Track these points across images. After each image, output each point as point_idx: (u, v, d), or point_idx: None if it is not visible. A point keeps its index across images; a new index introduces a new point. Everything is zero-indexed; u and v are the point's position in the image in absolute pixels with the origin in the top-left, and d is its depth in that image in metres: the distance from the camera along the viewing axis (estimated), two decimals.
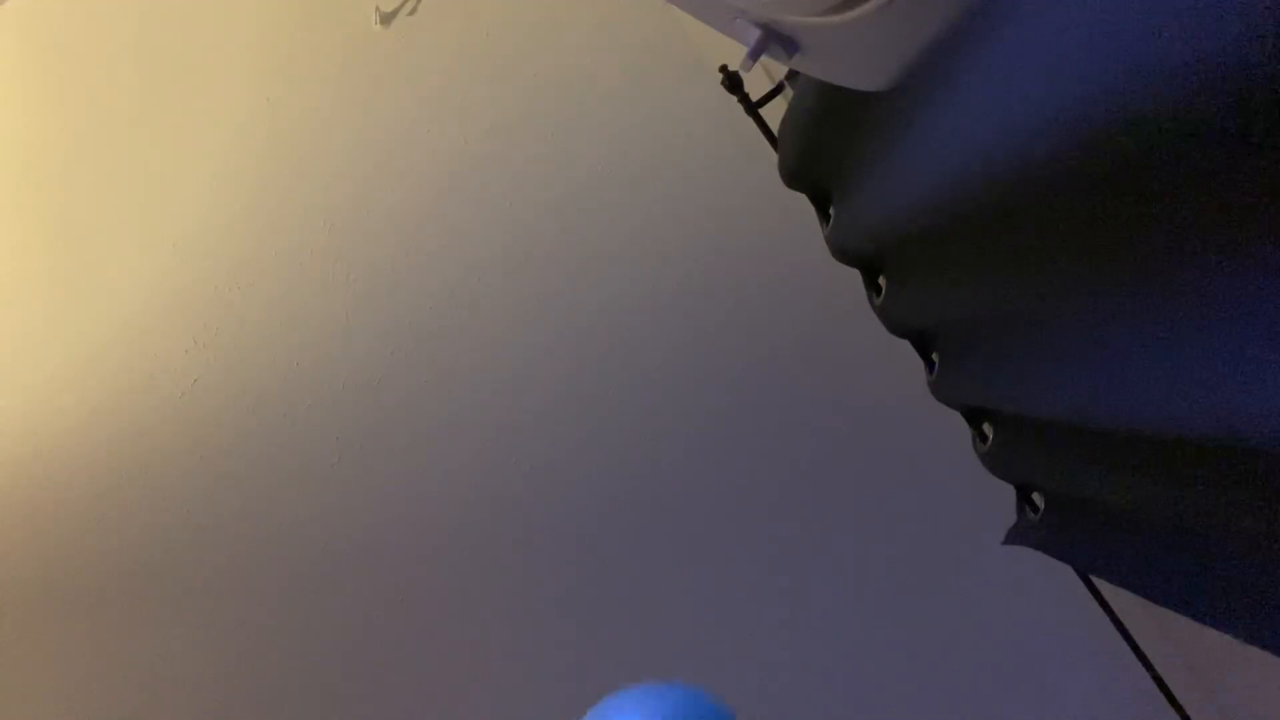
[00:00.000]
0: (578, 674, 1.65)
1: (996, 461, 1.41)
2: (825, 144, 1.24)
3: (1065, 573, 1.51)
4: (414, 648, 1.72)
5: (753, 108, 1.52)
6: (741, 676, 1.61)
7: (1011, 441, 1.34)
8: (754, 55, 0.84)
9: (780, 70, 1.48)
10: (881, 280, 1.41)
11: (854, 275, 1.47)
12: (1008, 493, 1.50)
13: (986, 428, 1.44)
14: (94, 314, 1.83)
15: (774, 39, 0.82)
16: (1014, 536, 1.47)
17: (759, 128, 1.55)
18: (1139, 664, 1.52)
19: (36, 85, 1.91)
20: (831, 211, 1.42)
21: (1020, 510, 1.48)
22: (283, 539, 1.77)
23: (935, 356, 1.43)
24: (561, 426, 1.79)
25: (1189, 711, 1.49)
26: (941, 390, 1.42)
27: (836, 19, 0.72)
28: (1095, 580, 1.53)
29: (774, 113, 1.51)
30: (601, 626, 1.72)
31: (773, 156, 1.50)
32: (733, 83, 1.49)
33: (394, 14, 1.89)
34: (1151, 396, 0.76)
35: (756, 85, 1.53)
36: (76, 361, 1.82)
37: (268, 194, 1.86)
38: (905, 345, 1.48)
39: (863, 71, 0.82)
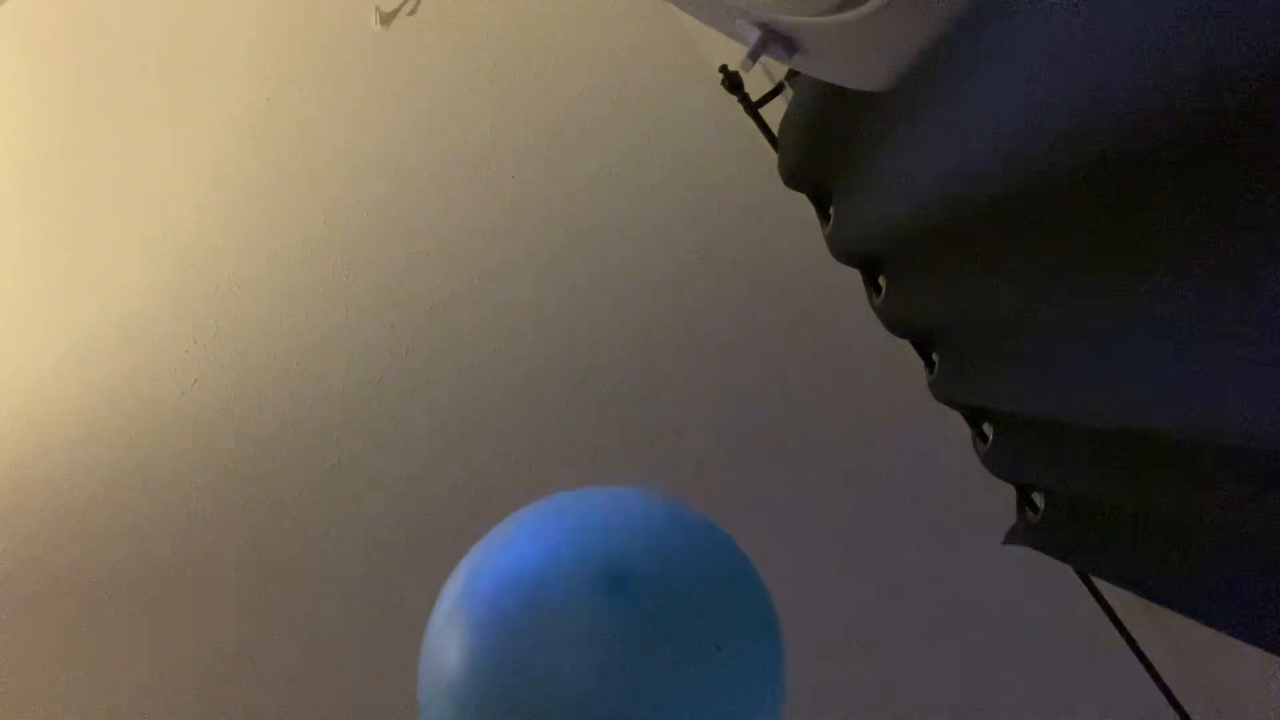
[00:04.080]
0: None
1: (996, 461, 1.41)
2: (825, 144, 1.24)
3: (1065, 573, 1.51)
4: (413, 648, 1.72)
5: (753, 108, 1.52)
6: None
7: (1011, 441, 1.35)
8: (754, 55, 0.84)
9: (780, 70, 1.48)
10: (881, 280, 1.41)
11: (854, 275, 1.47)
12: (1008, 493, 1.50)
13: (986, 428, 1.44)
14: (94, 314, 1.83)
15: (774, 39, 0.82)
16: (1014, 536, 1.47)
17: (759, 128, 1.55)
18: (1139, 664, 1.52)
19: (36, 85, 1.91)
20: (831, 211, 1.42)
21: (1020, 510, 1.48)
22: (282, 539, 1.77)
23: (935, 356, 1.43)
24: (562, 427, 1.79)
25: (1188, 710, 1.49)
26: (941, 390, 1.42)
27: (836, 19, 0.72)
28: (1095, 580, 1.53)
29: (774, 113, 1.51)
30: None
31: (773, 156, 1.50)
32: (733, 83, 1.49)
33: (394, 14, 1.89)
34: (1152, 397, 0.76)
35: (756, 85, 1.53)
36: (76, 361, 1.82)
37: (268, 194, 1.86)
38: (905, 345, 1.48)
39: (863, 71, 0.82)
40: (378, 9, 1.87)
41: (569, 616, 0.47)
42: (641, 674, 0.47)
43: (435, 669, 0.52)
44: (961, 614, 1.71)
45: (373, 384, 1.81)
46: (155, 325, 1.82)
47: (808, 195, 1.46)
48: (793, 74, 1.38)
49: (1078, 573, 1.52)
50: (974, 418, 1.46)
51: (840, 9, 0.70)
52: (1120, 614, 1.53)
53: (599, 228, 1.83)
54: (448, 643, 0.52)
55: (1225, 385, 0.65)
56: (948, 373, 1.38)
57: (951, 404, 1.46)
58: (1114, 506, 1.11)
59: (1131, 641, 1.52)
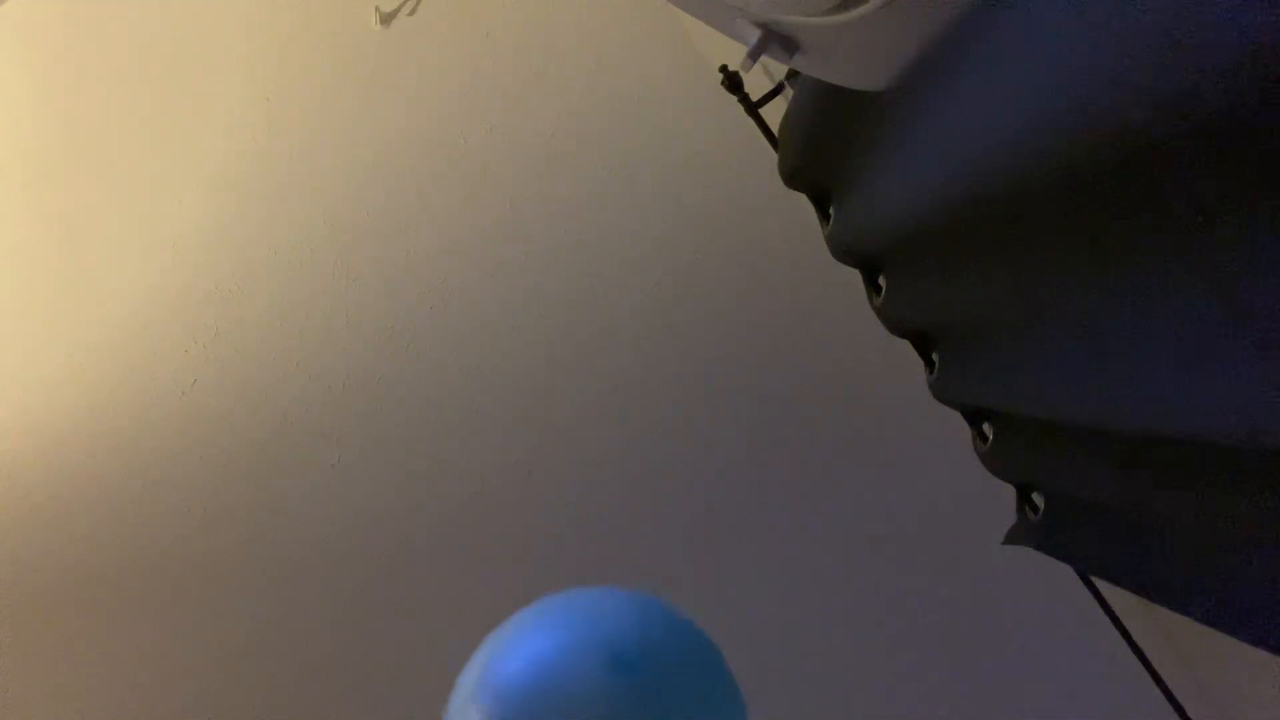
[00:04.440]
0: None
1: (996, 461, 1.41)
2: (825, 144, 1.24)
3: (1065, 573, 1.51)
4: (413, 648, 1.72)
5: (753, 108, 1.52)
6: (738, 675, 1.61)
7: (1011, 441, 1.34)
8: (754, 55, 0.84)
9: (780, 70, 1.48)
10: (881, 280, 1.41)
11: (854, 275, 1.47)
12: (1008, 493, 1.50)
13: (986, 428, 1.44)
14: (94, 314, 1.83)
15: (774, 39, 0.82)
16: (1014, 536, 1.47)
17: (759, 128, 1.55)
18: (1139, 664, 1.52)
19: (36, 85, 1.91)
20: (831, 211, 1.42)
21: (1020, 510, 1.48)
22: (282, 539, 1.77)
23: (935, 356, 1.43)
24: (561, 428, 1.79)
25: (1188, 711, 1.50)
26: (941, 390, 1.42)
27: (836, 19, 0.72)
28: (1095, 580, 1.53)
29: (774, 113, 1.52)
30: None
31: (773, 156, 1.50)
32: (733, 83, 1.49)
33: (394, 14, 1.89)
34: (1151, 396, 0.76)
35: (756, 85, 1.53)
36: (76, 361, 1.81)
37: (267, 194, 1.86)
38: (905, 345, 1.48)
39: (863, 71, 0.82)
40: (378, 9, 1.87)
41: (580, 691, 0.54)
42: None
43: None
44: (961, 614, 1.71)
45: (373, 384, 1.81)
46: (155, 325, 1.82)
47: (808, 195, 1.46)
48: (793, 74, 1.38)
49: (1078, 573, 1.52)
50: (974, 418, 1.46)
51: (840, 9, 0.70)
52: (1120, 614, 1.53)
53: (599, 228, 1.83)
54: None
55: (1227, 385, 0.65)
56: (948, 373, 1.38)
57: (951, 404, 1.46)
58: (1114, 506, 1.10)
59: (1131, 641, 1.52)
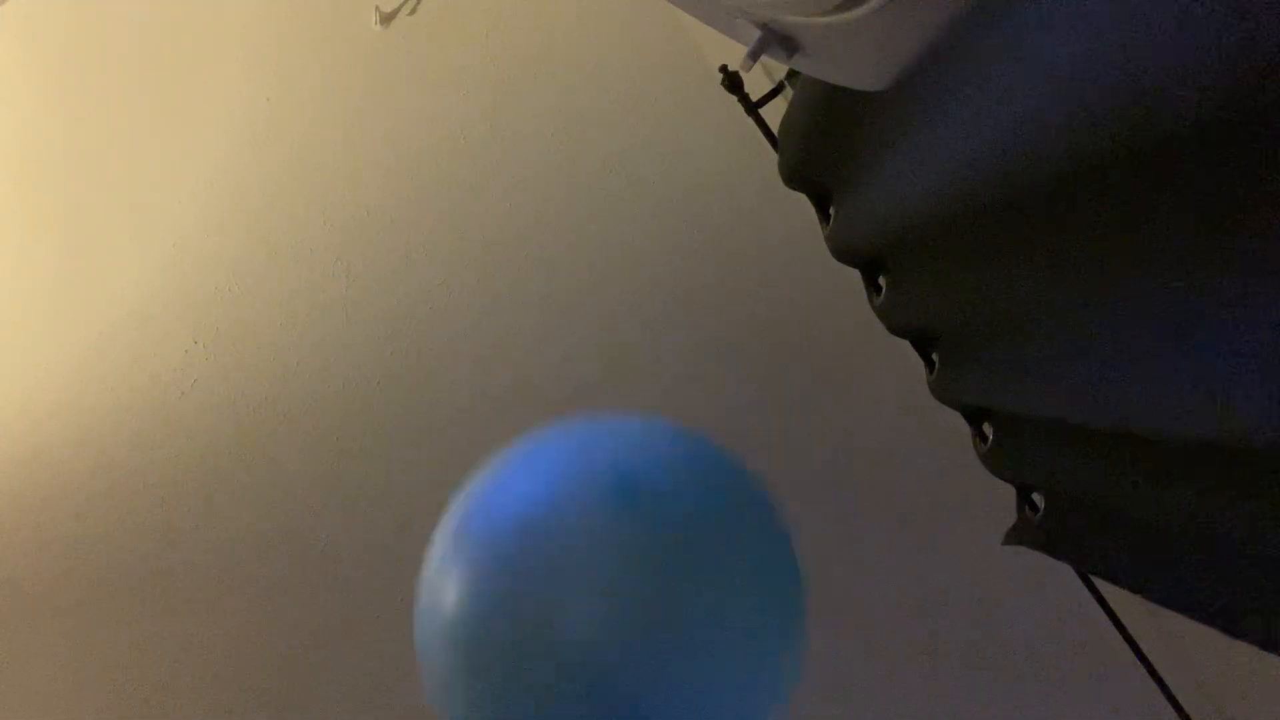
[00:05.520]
0: None
1: (996, 461, 1.41)
2: (825, 144, 1.24)
3: (1065, 573, 1.51)
4: (413, 648, 1.72)
5: (753, 108, 1.52)
6: None
7: (1011, 441, 1.35)
8: (754, 55, 0.84)
9: (780, 70, 1.48)
10: (881, 280, 1.41)
11: (854, 275, 1.47)
12: (1008, 493, 1.50)
13: (986, 428, 1.44)
14: (94, 314, 1.83)
15: (774, 39, 0.82)
16: (1014, 536, 1.47)
17: (759, 128, 1.55)
18: (1139, 664, 1.52)
19: (36, 85, 1.91)
20: (831, 211, 1.42)
21: (1020, 510, 1.48)
22: (282, 539, 1.77)
23: (935, 356, 1.43)
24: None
25: (1188, 711, 1.49)
26: (941, 390, 1.42)
27: (836, 19, 0.72)
28: (1095, 580, 1.53)
29: (774, 113, 1.51)
30: None
31: (773, 156, 1.50)
32: (733, 83, 1.49)
33: (394, 14, 1.89)
34: (1151, 397, 0.76)
35: (756, 85, 1.53)
36: (76, 361, 1.82)
37: (267, 194, 1.86)
38: (905, 345, 1.48)
39: (863, 71, 0.82)
40: (378, 9, 1.87)
41: (577, 540, 0.40)
42: (651, 601, 0.39)
43: (434, 612, 0.45)
44: (961, 614, 1.71)
45: (373, 384, 1.81)
46: (155, 325, 1.82)
47: (808, 195, 1.46)
48: (793, 74, 1.38)
49: (1078, 573, 1.52)
50: (974, 418, 1.46)
51: (840, 9, 0.70)
52: (1120, 614, 1.53)
53: (598, 229, 1.83)
54: (446, 583, 0.44)
55: (1227, 385, 0.65)
56: (948, 373, 1.38)
57: (951, 404, 1.46)
58: (1114, 506, 1.11)
59: (1131, 641, 1.52)
